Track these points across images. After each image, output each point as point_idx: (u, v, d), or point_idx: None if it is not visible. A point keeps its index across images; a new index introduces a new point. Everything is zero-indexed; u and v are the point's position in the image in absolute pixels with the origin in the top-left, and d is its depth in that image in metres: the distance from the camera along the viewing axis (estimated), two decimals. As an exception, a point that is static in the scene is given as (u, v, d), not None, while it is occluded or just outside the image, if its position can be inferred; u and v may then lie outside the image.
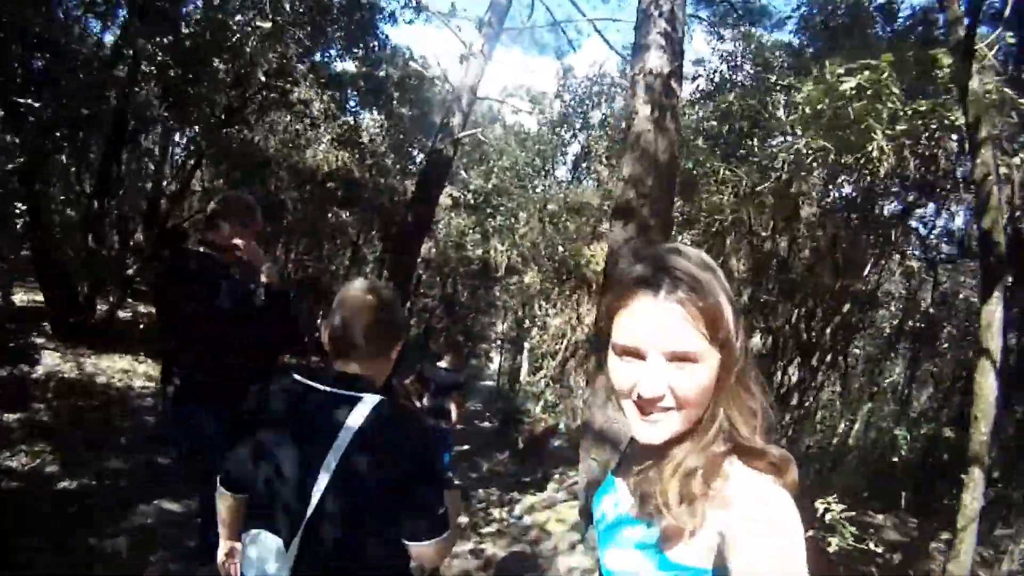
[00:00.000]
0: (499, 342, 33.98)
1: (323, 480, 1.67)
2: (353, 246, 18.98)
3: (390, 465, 1.70)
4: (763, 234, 8.42)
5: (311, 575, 1.71)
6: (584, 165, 19.62)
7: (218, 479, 2.01)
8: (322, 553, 1.70)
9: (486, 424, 16.54)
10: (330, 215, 15.13)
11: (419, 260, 17.78)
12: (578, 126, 19.22)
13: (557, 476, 10.31)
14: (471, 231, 19.44)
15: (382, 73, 14.05)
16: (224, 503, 2.02)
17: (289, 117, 12.54)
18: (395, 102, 14.77)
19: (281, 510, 1.73)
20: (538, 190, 20.09)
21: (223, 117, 10.67)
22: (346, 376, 1.81)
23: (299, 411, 1.79)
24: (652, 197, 5.79)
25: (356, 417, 1.70)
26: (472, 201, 19.28)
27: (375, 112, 15.68)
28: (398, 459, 1.71)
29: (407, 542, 1.74)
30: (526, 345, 20.24)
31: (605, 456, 5.47)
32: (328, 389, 1.78)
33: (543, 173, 20.96)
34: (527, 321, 19.05)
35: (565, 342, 14.97)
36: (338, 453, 1.67)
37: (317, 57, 12.80)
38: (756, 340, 8.67)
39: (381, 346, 1.91)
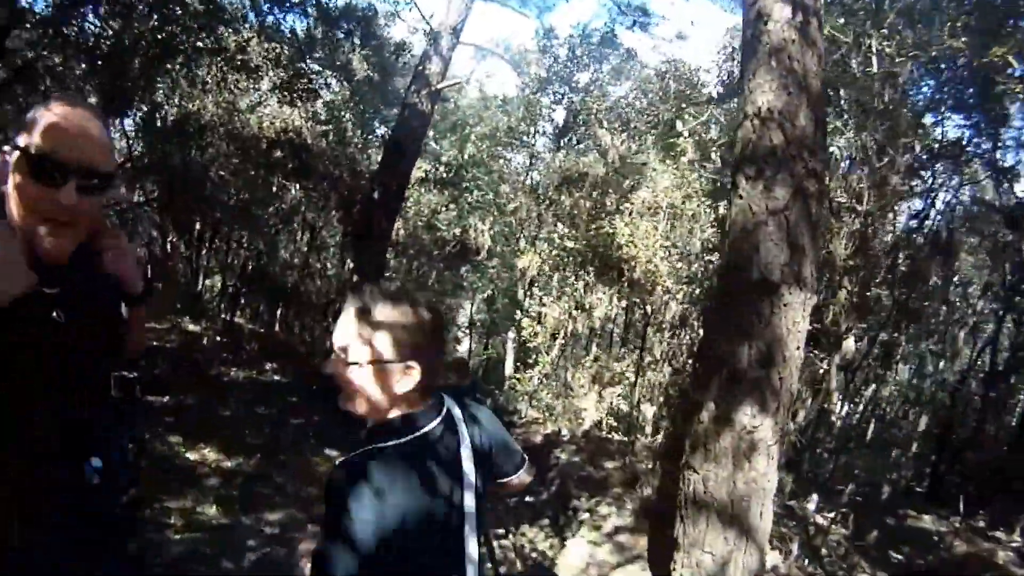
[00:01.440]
0: (468, 326, 33.02)
1: (470, 517, 1.56)
2: (311, 230, 16.45)
3: (498, 442, 1.76)
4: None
5: None
6: (579, 131, 17.39)
7: None
8: None
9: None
10: (276, 188, 12.50)
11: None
12: (564, 89, 17.02)
13: (587, 513, 8.41)
14: (444, 208, 17.07)
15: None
16: None
17: (224, 67, 9.98)
18: (356, 45, 12.21)
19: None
20: (518, 160, 17.93)
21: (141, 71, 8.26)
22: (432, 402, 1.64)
23: (421, 465, 1.53)
24: (806, 141, 3.70)
25: (461, 425, 1.64)
26: (445, 175, 16.94)
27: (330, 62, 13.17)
28: (496, 434, 1.76)
29: (512, 478, 1.84)
30: (510, 336, 18.15)
31: (726, 547, 3.81)
32: (433, 426, 1.59)
33: (530, 138, 18.75)
34: (516, 309, 17.04)
35: (564, 333, 12.93)
36: (472, 480, 1.58)
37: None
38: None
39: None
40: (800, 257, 3.70)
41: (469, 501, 1.55)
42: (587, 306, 11.49)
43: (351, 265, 9.86)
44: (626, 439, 12.57)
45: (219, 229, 13.13)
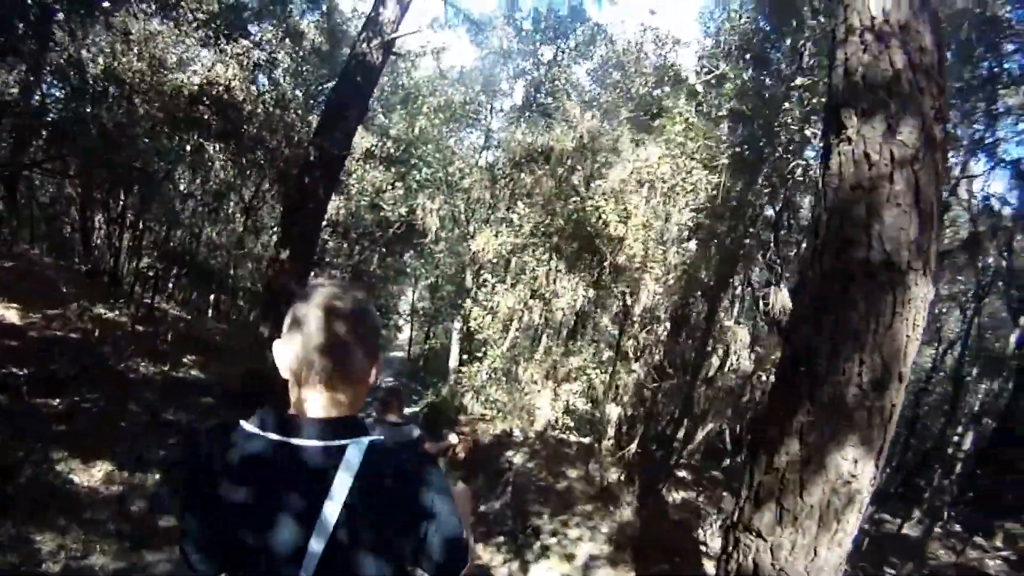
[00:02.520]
0: (410, 314, 31.83)
1: (314, 550, 1.28)
2: (246, 208, 14.76)
3: (400, 517, 1.36)
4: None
5: None
6: (540, 107, 16.14)
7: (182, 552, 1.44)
8: None
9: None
10: (200, 154, 10.82)
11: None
12: (528, 64, 15.77)
13: (553, 536, 7.31)
14: (390, 187, 15.62)
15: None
16: None
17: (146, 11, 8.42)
18: None
19: None
20: (472, 138, 16.65)
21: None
22: (331, 422, 1.37)
23: (270, 476, 1.33)
24: (933, 70, 2.58)
25: (347, 472, 1.31)
26: (392, 151, 15.49)
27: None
28: (415, 506, 1.37)
29: None
30: (455, 326, 16.89)
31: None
32: (315, 444, 1.33)
33: (486, 115, 17.44)
34: (464, 296, 15.77)
35: (518, 324, 11.77)
36: (326, 525, 1.28)
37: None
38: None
39: (369, 368, 1.46)
40: (930, 232, 2.57)
41: (314, 546, 1.27)
42: (547, 295, 10.28)
43: (278, 240, 8.42)
44: (585, 441, 11.52)
45: (144, 202, 11.45)
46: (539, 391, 11.97)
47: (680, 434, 8.20)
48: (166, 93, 9.51)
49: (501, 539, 7.81)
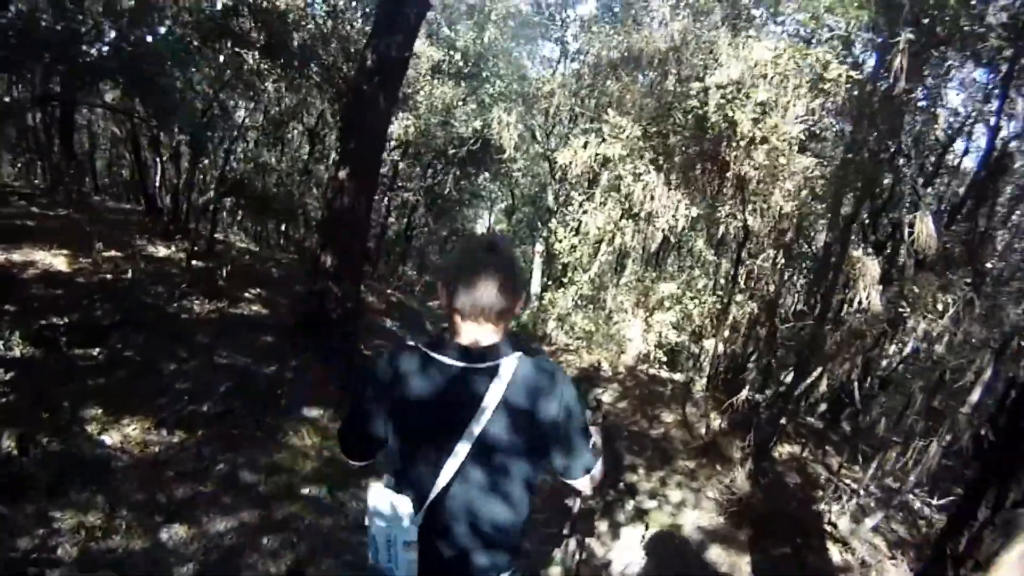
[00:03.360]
0: None
1: (462, 449, 1.73)
2: (308, 132, 13.88)
3: (539, 423, 1.78)
4: None
5: (436, 544, 1.81)
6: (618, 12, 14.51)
7: (342, 449, 2.02)
8: (450, 524, 1.81)
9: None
10: (247, 72, 9.77)
11: (390, 140, 13.11)
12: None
13: (652, 499, 6.41)
14: (461, 103, 14.42)
15: None
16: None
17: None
18: None
19: (414, 482, 1.80)
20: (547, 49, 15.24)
21: None
22: (486, 350, 1.79)
23: (439, 386, 1.79)
24: None
25: (499, 386, 1.74)
26: (461, 64, 14.24)
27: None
28: (549, 418, 1.79)
29: (569, 480, 1.93)
30: (537, 248, 15.85)
31: None
32: (473, 366, 1.77)
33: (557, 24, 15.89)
34: (546, 217, 14.66)
35: (610, 247, 10.68)
36: (477, 428, 1.72)
37: None
38: None
39: (514, 306, 1.84)
40: None
41: (463, 442, 1.72)
42: (644, 214, 9.07)
43: (338, 163, 7.43)
44: (679, 379, 10.51)
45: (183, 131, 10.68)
46: (628, 320, 10.96)
47: (799, 382, 7.00)
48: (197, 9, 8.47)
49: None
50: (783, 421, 7.21)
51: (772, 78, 6.83)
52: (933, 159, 9.92)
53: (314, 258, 7.86)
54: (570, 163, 9.47)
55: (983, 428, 4.96)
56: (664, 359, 10.93)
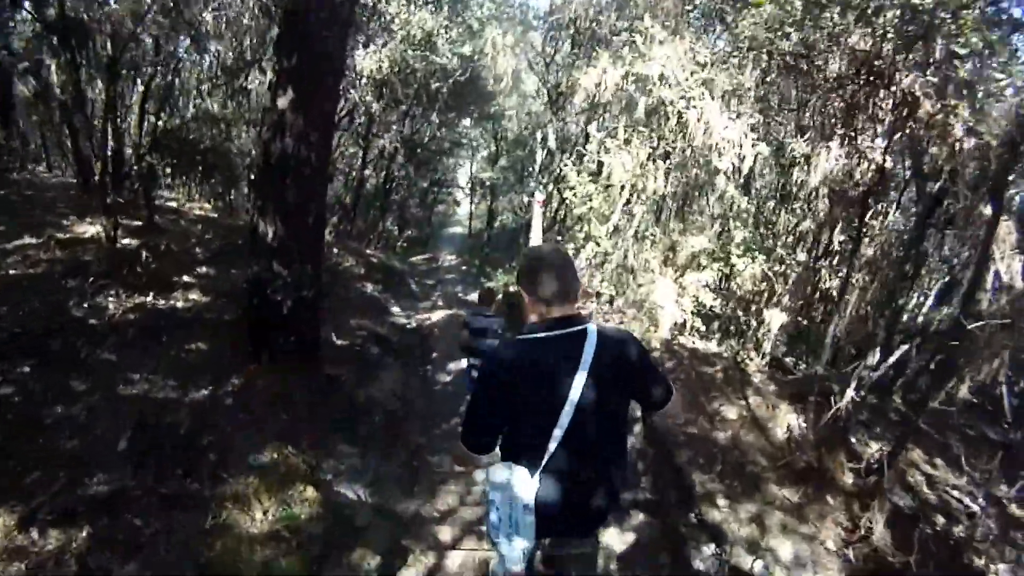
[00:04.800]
0: (469, 187, 29.09)
1: (569, 408, 2.09)
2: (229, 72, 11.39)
3: (627, 366, 2.22)
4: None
5: (555, 495, 2.13)
6: None
7: (466, 446, 2.23)
8: (562, 481, 2.14)
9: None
10: None
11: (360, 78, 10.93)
12: None
13: (752, 555, 4.58)
14: (443, 30, 12.07)
15: None
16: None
17: None
18: None
19: (530, 446, 2.13)
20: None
21: None
22: (573, 317, 2.21)
23: (544, 359, 2.14)
24: None
25: (590, 344, 2.14)
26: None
27: None
28: (631, 360, 2.23)
29: (656, 408, 2.36)
30: (537, 195, 13.69)
31: None
32: (566, 331, 2.17)
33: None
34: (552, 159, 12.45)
35: (636, 195, 8.67)
36: (582, 377, 2.09)
37: None
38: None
39: (580, 290, 2.33)
40: None
41: (573, 394, 2.08)
42: (697, 150, 7.01)
43: (273, 103, 5.12)
44: (722, 352, 8.66)
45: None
46: (655, 282, 8.98)
47: (940, 383, 5.08)
48: None
49: (641, 516, 5.22)
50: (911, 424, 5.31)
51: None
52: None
53: (250, 228, 5.51)
54: (598, 86, 7.22)
55: None
56: (703, 328, 9.06)
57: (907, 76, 4.71)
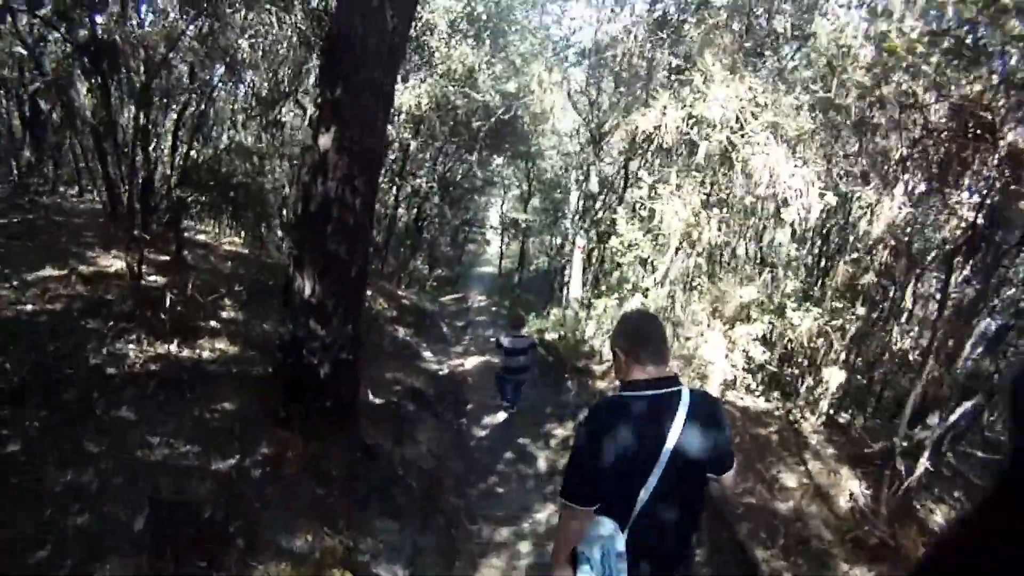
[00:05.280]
0: (500, 226, 29.03)
1: (660, 465, 2.19)
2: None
3: (713, 429, 2.31)
4: None
5: (645, 545, 2.23)
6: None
7: (569, 498, 2.29)
8: (651, 533, 2.24)
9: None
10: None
11: (393, 110, 10.71)
12: None
13: None
14: (485, 65, 11.83)
15: None
16: (578, 519, 2.29)
17: None
18: None
19: (620, 500, 2.23)
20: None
21: None
22: (670, 378, 2.33)
23: (643, 416, 2.25)
24: None
25: (684, 405, 2.25)
26: (484, 19, 11.78)
27: None
28: (718, 422, 2.34)
29: (720, 477, 2.43)
30: (578, 241, 13.28)
31: None
32: (664, 391, 2.29)
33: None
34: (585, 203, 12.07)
35: (688, 245, 8.32)
36: (675, 436, 2.21)
37: None
38: None
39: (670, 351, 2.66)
40: None
41: (665, 452, 2.18)
42: (759, 199, 6.62)
43: (315, 141, 4.71)
44: (771, 408, 8.17)
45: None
46: (703, 335, 8.55)
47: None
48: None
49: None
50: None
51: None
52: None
53: (285, 280, 5.09)
54: (657, 128, 6.79)
55: None
56: (754, 386, 8.60)
57: (1014, 129, 4.28)
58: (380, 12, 4.46)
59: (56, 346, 4.98)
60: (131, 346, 5.33)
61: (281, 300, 5.28)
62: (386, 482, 5.01)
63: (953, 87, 4.49)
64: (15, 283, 5.73)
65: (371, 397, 6.48)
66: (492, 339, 10.12)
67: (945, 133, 4.86)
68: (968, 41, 4.25)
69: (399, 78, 10.64)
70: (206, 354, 5.71)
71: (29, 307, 5.45)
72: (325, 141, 4.58)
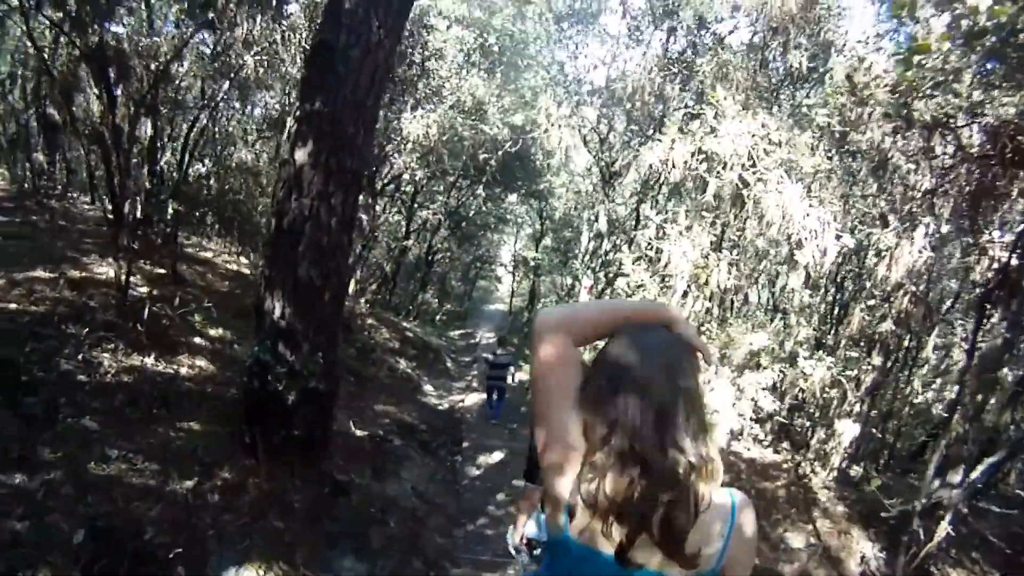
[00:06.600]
0: (512, 265, 28.98)
1: None
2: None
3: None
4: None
5: None
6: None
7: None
8: None
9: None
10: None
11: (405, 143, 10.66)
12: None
13: None
14: (495, 98, 11.78)
15: None
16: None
17: None
18: None
19: None
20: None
21: None
22: None
23: None
24: None
25: None
26: (496, 51, 11.75)
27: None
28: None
29: None
30: (584, 280, 13.11)
31: None
32: None
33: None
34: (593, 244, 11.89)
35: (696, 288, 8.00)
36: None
37: None
38: None
39: None
40: None
41: None
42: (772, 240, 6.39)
43: (291, 155, 4.51)
44: (778, 460, 7.84)
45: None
46: (710, 383, 8.23)
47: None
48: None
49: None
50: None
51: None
52: None
53: (256, 301, 4.81)
54: (664, 163, 6.55)
55: None
56: (762, 436, 8.29)
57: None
58: (365, 24, 4.32)
59: (32, 347, 4.76)
60: (106, 355, 5.09)
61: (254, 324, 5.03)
62: (360, 519, 4.70)
63: (988, 106, 4.16)
64: (2, 281, 5.57)
65: (353, 429, 6.20)
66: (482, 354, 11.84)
67: (979, 160, 4.54)
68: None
69: (408, 106, 10.59)
70: (184, 371, 5.47)
71: (12, 306, 5.26)
72: (301, 155, 4.40)
